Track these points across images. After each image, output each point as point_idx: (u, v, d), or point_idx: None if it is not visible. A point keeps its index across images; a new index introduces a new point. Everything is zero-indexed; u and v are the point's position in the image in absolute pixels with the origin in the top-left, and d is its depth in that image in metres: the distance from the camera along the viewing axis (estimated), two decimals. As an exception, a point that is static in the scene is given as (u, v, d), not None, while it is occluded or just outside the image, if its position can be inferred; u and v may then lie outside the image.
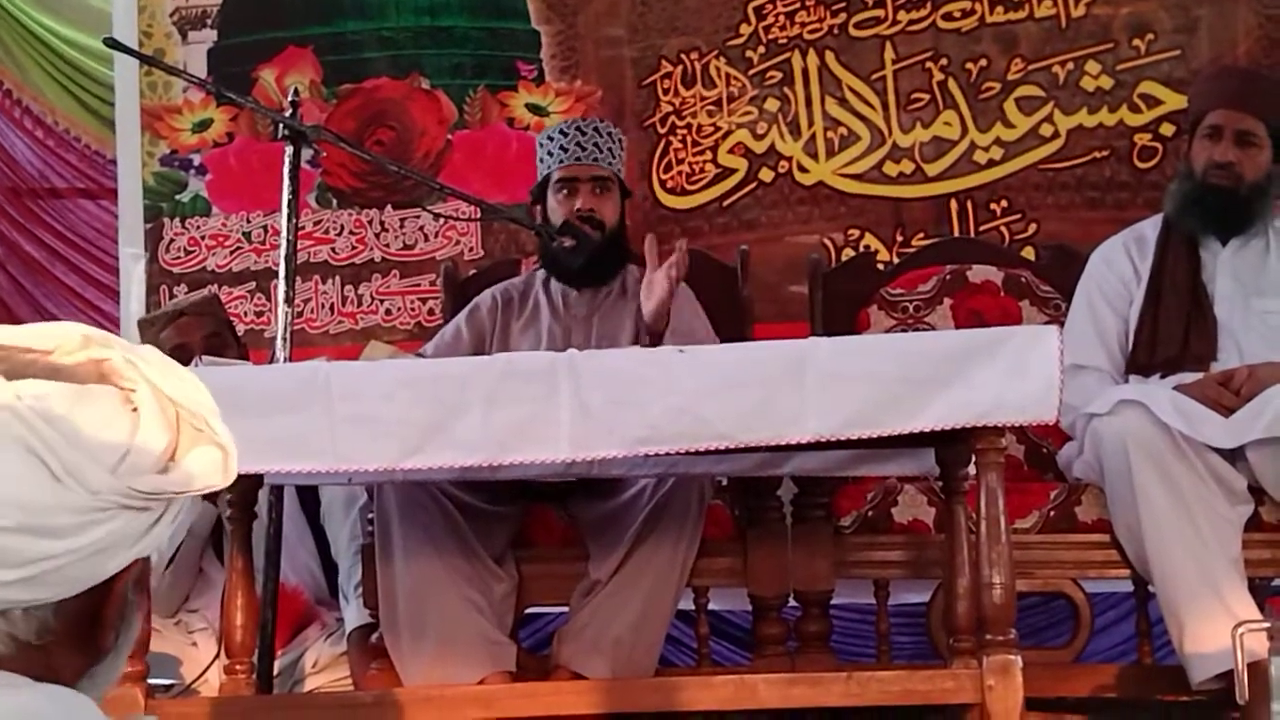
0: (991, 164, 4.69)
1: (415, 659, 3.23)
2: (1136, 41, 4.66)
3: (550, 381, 2.77)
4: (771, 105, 4.75)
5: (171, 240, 4.92)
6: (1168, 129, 4.59)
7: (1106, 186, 4.64)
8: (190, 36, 4.95)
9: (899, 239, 4.67)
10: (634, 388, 2.77)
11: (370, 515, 3.34)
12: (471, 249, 4.83)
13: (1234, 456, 3.31)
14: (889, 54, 4.73)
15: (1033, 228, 4.64)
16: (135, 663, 2.84)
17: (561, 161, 3.70)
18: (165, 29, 4.95)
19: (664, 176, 4.77)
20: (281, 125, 3.47)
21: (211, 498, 3.55)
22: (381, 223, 4.88)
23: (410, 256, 4.86)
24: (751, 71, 4.77)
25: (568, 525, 3.47)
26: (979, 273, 4.05)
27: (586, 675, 3.21)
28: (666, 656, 3.75)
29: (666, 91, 4.79)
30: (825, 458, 3.23)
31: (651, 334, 3.44)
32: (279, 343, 3.37)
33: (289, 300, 3.39)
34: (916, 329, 3.94)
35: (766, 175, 4.74)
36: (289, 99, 3.51)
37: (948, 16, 4.72)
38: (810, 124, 4.74)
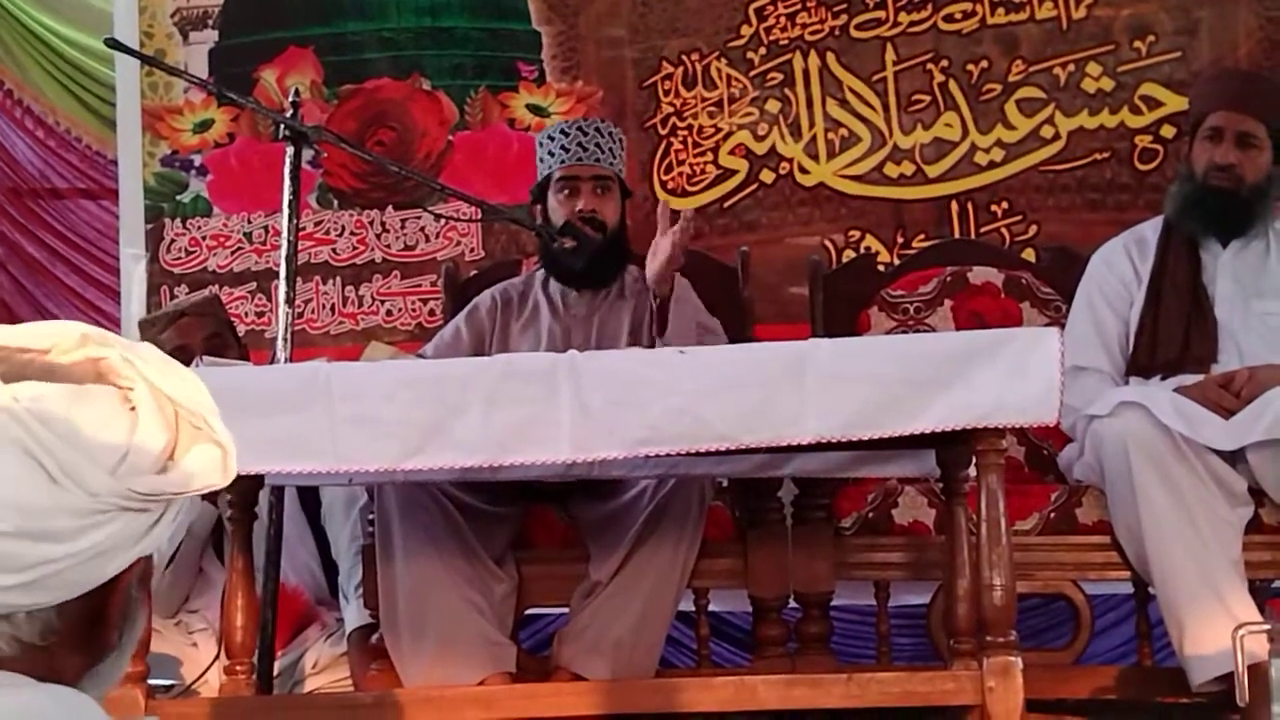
0: (992, 165, 4.68)
1: (415, 660, 3.23)
2: (1137, 43, 4.66)
3: (550, 382, 2.77)
4: (772, 106, 4.75)
5: (172, 241, 4.92)
6: (1168, 131, 4.59)
7: (1107, 188, 4.64)
8: (191, 37, 4.95)
9: (899, 240, 4.67)
10: (634, 388, 2.77)
11: (371, 516, 3.34)
12: (472, 250, 4.83)
13: (1234, 458, 3.31)
14: (890, 55, 4.73)
15: (1033, 229, 4.64)
16: (136, 663, 2.84)
17: (562, 161, 3.69)
18: (166, 29, 4.94)
19: (665, 178, 4.77)
20: (282, 126, 3.47)
21: (211, 498, 3.55)
22: (382, 223, 4.87)
23: (411, 257, 4.85)
24: (752, 73, 4.77)
25: (568, 526, 3.47)
26: (979, 274, 4.05)
27: (587, 676, 3.21)
28: (667, 658, 3.75)
29: (667, 92, 4.79)
30: (826, 459, 3.23)
31: (656, 299, 3.44)
32: (280, 343, 3.37)
33: (290, 301, 3.39)
34: (917, 330, 3.94)
35: (767, 176, 4.74)
36: (290, 99, 3.50)
37: (949, 18, 4.72)
38: (811, 125, 4.73)
